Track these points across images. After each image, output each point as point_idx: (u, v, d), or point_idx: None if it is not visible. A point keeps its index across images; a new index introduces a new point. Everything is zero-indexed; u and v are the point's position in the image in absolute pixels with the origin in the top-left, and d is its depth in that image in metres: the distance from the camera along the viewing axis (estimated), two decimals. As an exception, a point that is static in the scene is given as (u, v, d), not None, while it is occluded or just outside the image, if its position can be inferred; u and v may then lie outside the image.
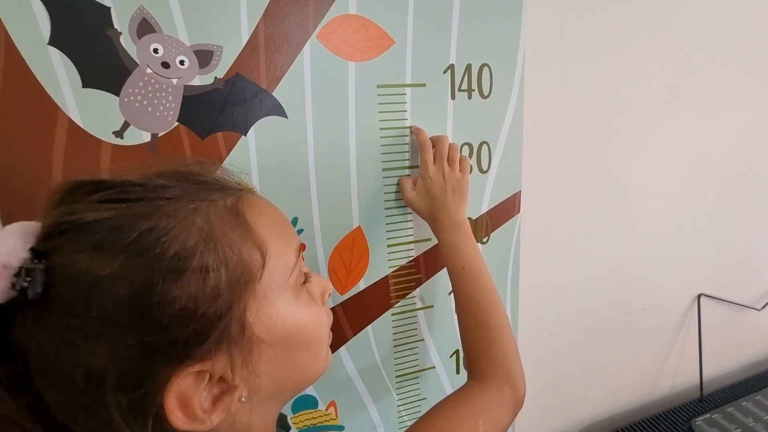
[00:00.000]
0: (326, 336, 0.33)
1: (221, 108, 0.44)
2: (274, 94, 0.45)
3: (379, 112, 0.50)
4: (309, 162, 0.48)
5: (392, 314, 0.58)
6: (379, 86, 0.49)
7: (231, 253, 0.25)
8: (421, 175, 0.50)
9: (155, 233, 0.23)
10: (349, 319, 0.55)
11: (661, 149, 0.71)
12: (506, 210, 0.60)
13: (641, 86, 0.67)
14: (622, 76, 0.65)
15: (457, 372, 0.64)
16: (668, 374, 0.88)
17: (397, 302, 0.57)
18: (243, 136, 0.45)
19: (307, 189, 0.49)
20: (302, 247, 0.34)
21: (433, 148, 0.51)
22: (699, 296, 0.85)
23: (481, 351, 0.44)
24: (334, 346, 0.55)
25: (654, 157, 0.71)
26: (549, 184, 0.64)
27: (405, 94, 0.51)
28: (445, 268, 0.51)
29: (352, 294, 0.54)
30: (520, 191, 0.60)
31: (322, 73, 0.47)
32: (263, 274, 0.27)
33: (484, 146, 0.57)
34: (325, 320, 0.33)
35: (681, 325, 0.85)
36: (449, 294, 0.60)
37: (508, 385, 0.42)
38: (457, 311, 0.48)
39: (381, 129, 0.51)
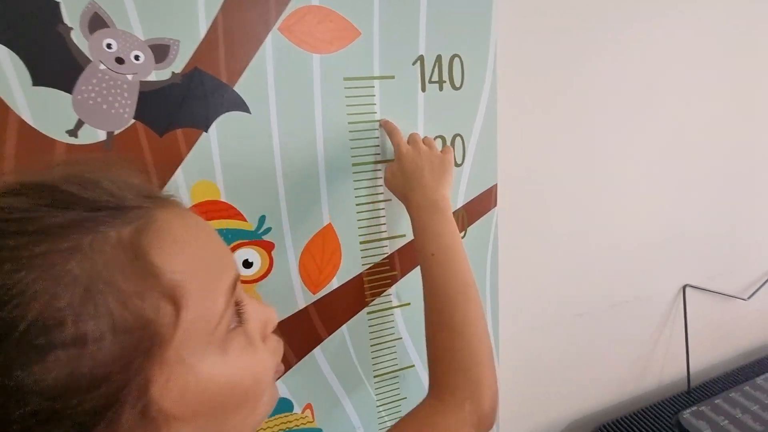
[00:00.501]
0: (269, 382, 0.27)
1: (180, 104, 0.43)
2: (235, 88, 0.44)
3: (347, 105, 0.49)
4: (275, 158, 0.47)
5: (368, 313, 0.56)
6: (345, 79, 0.48)
7: (124, 312, 0.19)
8: (396, 156, 0.48)
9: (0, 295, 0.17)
10: (323, 319, 0.54)
11: (642, 139, 0.71)
12: (483, 203, 0.59)
13: (620, 74, 0.66)
14: (598, 63, 0.64)
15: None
16: (655, 367, 0.87)
17: (373, 300, 0.56)
18: (204, 133, 0.44)
19: (274, 186, 0.48)
20: (237, 278, 0.26)
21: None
22: (684, 287, 0.84)
23: (441, 357, 0.39)
24: (309, 347, 0.54)
25: (635, 147, 0.71)
26: (526, 176, 0.63)
27: (373, 86, 0.49)
28: None
29: (325, 293, 0.53)
30: (496, 184, 0.59)
31: (285, 67, 0.45)
32: (177, 333, 0.20)
33: (458, 139, 0.55)
34: (267, 364, 0.27)
35: (667, 317, 0.85)
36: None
37: (470, 401, 0.35)
38: (424, 307, 0.43)
39: (350, 123, 0.49)
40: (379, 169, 0.52)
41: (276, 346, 0.28)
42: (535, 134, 0.62)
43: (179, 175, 0.44)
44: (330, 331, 0.55)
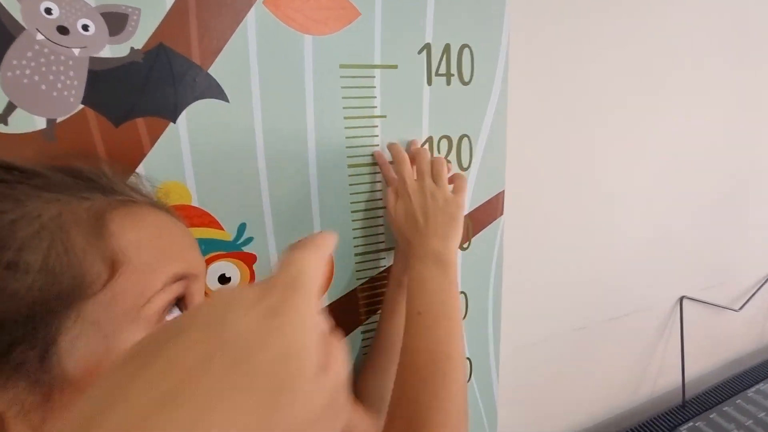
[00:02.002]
0: None
1: (141, 87, 0.35)
2: (209, 71, 0.36)
3: (343, 97, 0.42)
4: (258, 156, 0.40)
5: (362, 332, 0.50)
6: (342, 66, 0.41)
7: (64, 258, 0.21)
8: (400, 193, 0.42)
9: None
10: (310, 341, 0.47)
11: (646, 145, 0.67)
12: (489, 212, 0.54)
13: (629, 80, 0.62)
14: (609, 63, 0.59)
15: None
16: (650, 377, 0.85)
17: (368, 319, 0.50)
18: (171, 124, 0.36)
19: (257, 189, 0.41)
20: (196, 277, 0.27)
21: (411, 163, 0.43)
22: (681, 299, 0.82)
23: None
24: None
25: (640, 153, 0.67)
26: (531, 183, 0.58)
27: (374, 77, 0.43)
28: None
29: (314, 312, 0.46)
30: (503, 191, 0.54)
31: (271, 47, 0.38)
32: (102, 293, 0.22)
33: (465, 140, 0.50)
34: None
35: (663, 328, 0.82)
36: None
37: None
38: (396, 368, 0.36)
39: (346, 118, 0.43)
40: (378, 172, 0.46)
41: None
42: (539, 138, 0.57)
43: (139, 171, 0.36)
44: (318, 355, 0.48)
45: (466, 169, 0.51)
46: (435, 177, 0.42)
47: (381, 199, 0.47)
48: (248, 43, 0.37)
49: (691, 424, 0.75)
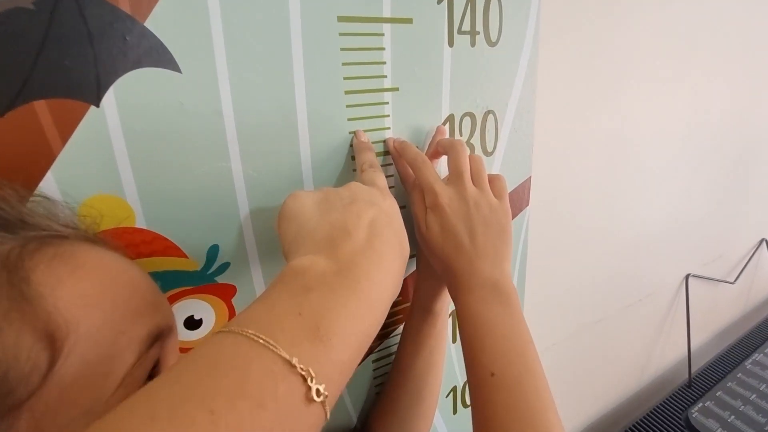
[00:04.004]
0: None
1: (37, 50, 0.22)
2: (147, 24, 0.24)
3: (344, 63, 0.31)
4: (229, 150, 0.28)
5: (373, 361, 0.41)
6: (341, 19, 0.30)
7: None
8: (429, 206, 0.31)
9: None
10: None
11: (667, 123, 0.61)
12: (515, 203, 0.45)
13: (641, 57, 0.54)
14: (629, 39, 0.51)
15: (454, 412, 0.50)
16: (656, 357, 0.83)
17: (379, 345, 0.41)
18: (93, 108, 0.24)
19: (231, 196, 0.29)
20: (171, 330, 0.22)
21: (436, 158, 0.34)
22: (687, 276, 0.79)
23: None
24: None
25: (660, 132, 0.61)
26: (556, 167, 0.50)
27: (382, 34, 0.32)
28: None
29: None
30: (530, 177, 0.45)
31: (240, -9, 0.26)
32: (43, 389, 0.15)
33: (490, 117, 0.40)
34: None
35: (670, 307, 0.79)
36: (449, 316, 0.43)
37: None
38: None
39: (347, 92, 0.32)
40: (390, 163, 0.36)
41: None
42: (565, 114, 0.48)
43: (48, 186, 0.23)
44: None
45: (491, 154, 0.41)
46: (475, 179, 0.32)
47: (394, 197, 0.37)
48: (204, -18, 0.25)
49: (701, 405, 0.74)
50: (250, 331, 0.15)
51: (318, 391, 0.15)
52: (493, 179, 0.33)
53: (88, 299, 0.18)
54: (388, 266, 0.22)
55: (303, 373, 0.15)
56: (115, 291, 0.19)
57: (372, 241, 0.22)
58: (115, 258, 0.21)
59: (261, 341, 0.15)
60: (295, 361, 0.15)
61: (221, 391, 0.13)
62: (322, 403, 0.15)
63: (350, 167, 0.33)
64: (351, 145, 0.33)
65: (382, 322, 0.21)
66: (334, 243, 0.21)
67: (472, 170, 0.32)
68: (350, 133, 0.33)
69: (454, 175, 0.32)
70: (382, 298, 0.21)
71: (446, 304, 0.38)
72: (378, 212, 0.24)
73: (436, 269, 0.32)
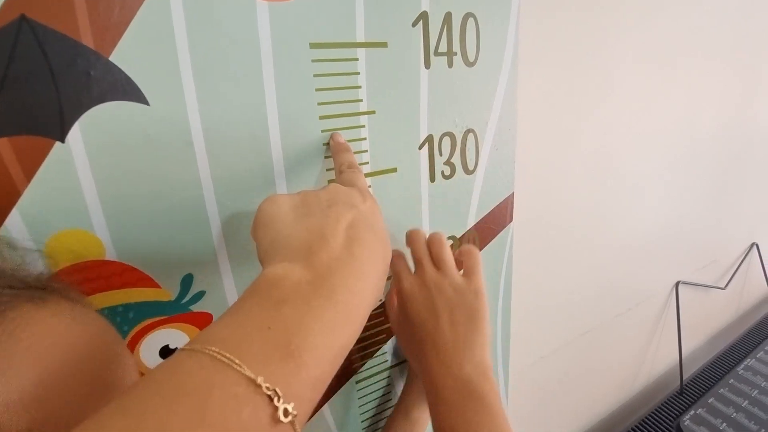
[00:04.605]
0: None
1: (-3, 88, 0.22)
2: (112, 59, 0.24)
3: (317, 89, 0.31)
4: (201, 179, 0.28)
5: (357, 382, 0.41)
6: (313, 46, 0.30)
7: None
8: (397, 296, 0.31)
9: None
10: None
11: (647, 133, 0.61)
12: (497, 220, 0.45)
13: (623, 70, 0.54)
14: (615, 49, 0.51)
15: None
16: (648, 365, 0.83)
17: (363, 365, 0.40)
18: (58, 144, 0.24)
19: (204, 224, 0.29)
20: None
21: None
22: (677, 284, 0.79)
23: None
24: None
25: (643, 143, 0.61)
26: (540, 182, 0.50)
27: (357, 59, 0.32)
28: None
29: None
30: (513, 193, 0.45)
31: (207, 21, 0.26)
32: None
33: (470, 136, 0.40)
34: None
35: (660, 315, 0.79)
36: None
37: None
38: None
39: (321, 118, 0.32)
40: (369, 186, 0.35)
41: None
42: (548, 130, 0.48)
43: (14, 223, 0.23)
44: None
45: (472, 172, 0.41)
46: (437, 261, 0.31)
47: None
48: (171, 13, 0.25)
49: (692, 412, 0.74)
50: (213, 349, 0.14)
51: (286, 410, 0.14)
52: (464, 256, 0.32)
53: (42, 393, 0.15)
54: (368, 271, 0.21)
55: (269, 393, 0.14)
56: (82, 373, 0.17)
57: (350, 246, 0.21)
58: (79, 320, 0.18)
59: (225, 360, 0.14)
60: (260, 380, 0.14)
61: (178, 420, 0.12)
62: (291, 422, 0.14)
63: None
64: (325, 144, 0.32)
65: (360, 330, 0.20)
66: (310, 250, 0.20)
67: (431, 253, 0.31)
68: (323, 131, 0.32)
69: (416, 264, 0.31)
70: (360, 307, 0.20)
71: (426, 412, 0.36)
72: (357, 215, 0.22)
73: (414, 370, 0.31)
